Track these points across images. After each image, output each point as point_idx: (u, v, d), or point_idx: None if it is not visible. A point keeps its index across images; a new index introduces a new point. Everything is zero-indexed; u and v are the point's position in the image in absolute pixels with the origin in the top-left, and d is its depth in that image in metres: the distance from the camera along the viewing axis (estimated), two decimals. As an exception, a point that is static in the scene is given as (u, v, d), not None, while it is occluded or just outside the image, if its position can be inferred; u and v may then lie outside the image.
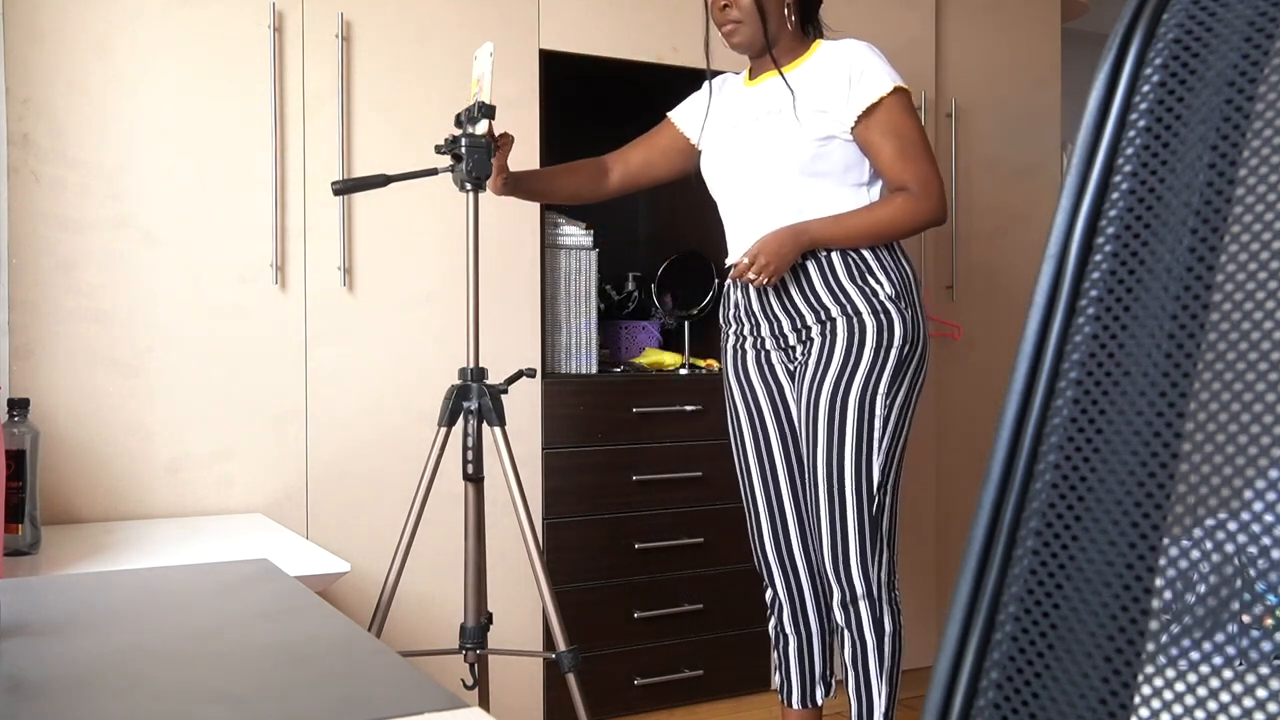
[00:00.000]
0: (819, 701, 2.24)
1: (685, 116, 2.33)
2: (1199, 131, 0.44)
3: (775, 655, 2.28)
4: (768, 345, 2.17)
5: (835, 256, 2.05)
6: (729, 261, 2.18)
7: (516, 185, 2.16)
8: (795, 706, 2.22)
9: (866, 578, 2.03)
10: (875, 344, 2.02)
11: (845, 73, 2.04)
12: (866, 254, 2.05)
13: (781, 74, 2.10)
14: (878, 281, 2.04)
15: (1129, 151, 0.46)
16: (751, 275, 2.00)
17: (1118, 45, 0.47)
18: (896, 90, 2.02)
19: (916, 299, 2.08)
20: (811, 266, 2.06)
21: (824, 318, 2.06)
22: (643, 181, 2.38)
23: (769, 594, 2.23)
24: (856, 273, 2.04)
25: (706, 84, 2.30)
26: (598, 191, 2.33)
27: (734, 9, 2.09)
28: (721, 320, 2.27)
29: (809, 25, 2.19)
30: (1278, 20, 0.43)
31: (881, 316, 2.02)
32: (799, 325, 2.09)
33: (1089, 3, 3.58)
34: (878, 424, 2.02)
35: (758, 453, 2.20)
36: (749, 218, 2.13)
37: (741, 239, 2.14)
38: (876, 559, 2.04)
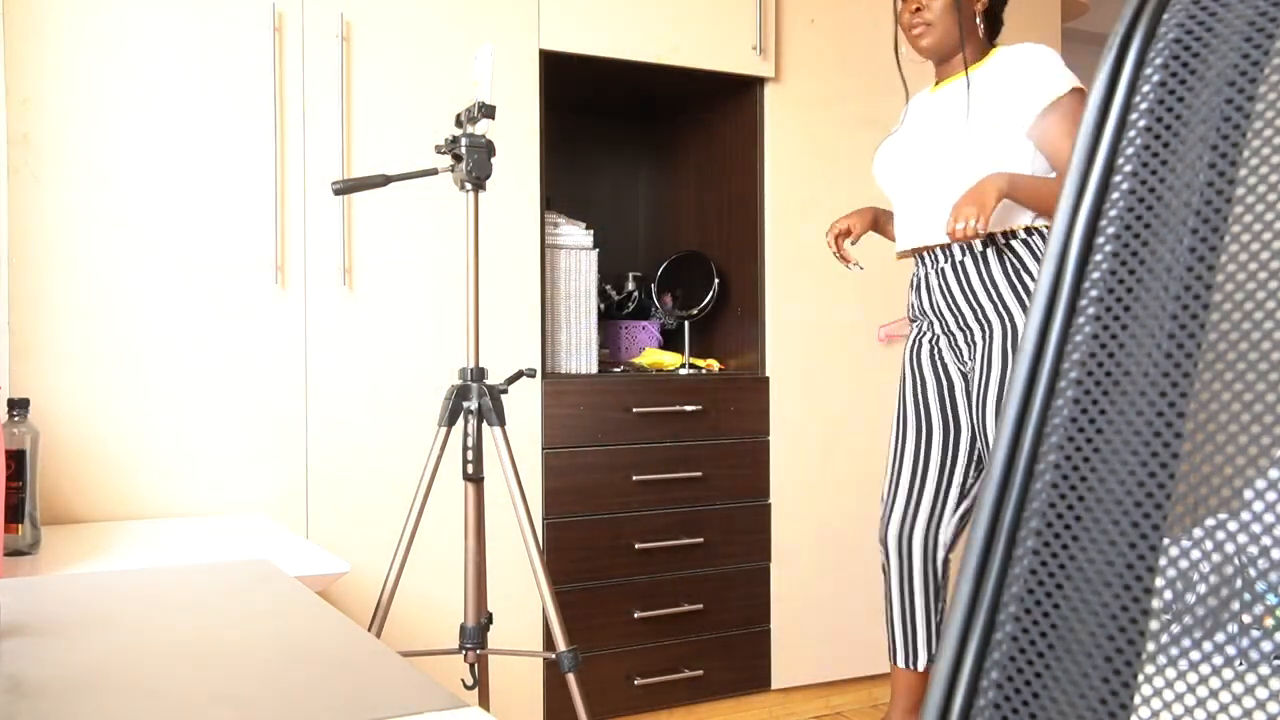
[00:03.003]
0: (920, 667, 2.31)
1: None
2: (1199, 131, 0.44)
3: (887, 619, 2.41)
4: (942, 343, 2.25)
5: (991, 254, 2.10)
6: (897, 249, 2.31)
7: (875, 222, 2.38)
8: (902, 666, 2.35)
9: None
10: None
11: (1024, 74, 2.09)
12: (1023, 252, 2.09)
13: (966, 72, 2.15)
14: (1032, 279, 2.07)
15: (1129, 151, 0.46)
16: (959, 226, 2.01)
17: (1118, 45, 0.47)
18: (1074, 91, 2.07)
19: None
20: (969, 264, 2.13)
21: (981, 318, 2.13)
22: None
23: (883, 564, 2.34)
24: (1012, 270, 2.09)
25: (905, 108, 2.37)
26: None
27: (927, 11, 2.16)
28: (908, 316, 2.38)
29: (992, 34, 2.26)
30: (1278, 20, 0.43)
31: None
32: (963, 324, 2.17)
33: (1089, 3, 3.58)
34: None
35: (917, 438, 2.29)
36: (916, 213, 2.22)
37: (907, 233, 2.25)
38: None
